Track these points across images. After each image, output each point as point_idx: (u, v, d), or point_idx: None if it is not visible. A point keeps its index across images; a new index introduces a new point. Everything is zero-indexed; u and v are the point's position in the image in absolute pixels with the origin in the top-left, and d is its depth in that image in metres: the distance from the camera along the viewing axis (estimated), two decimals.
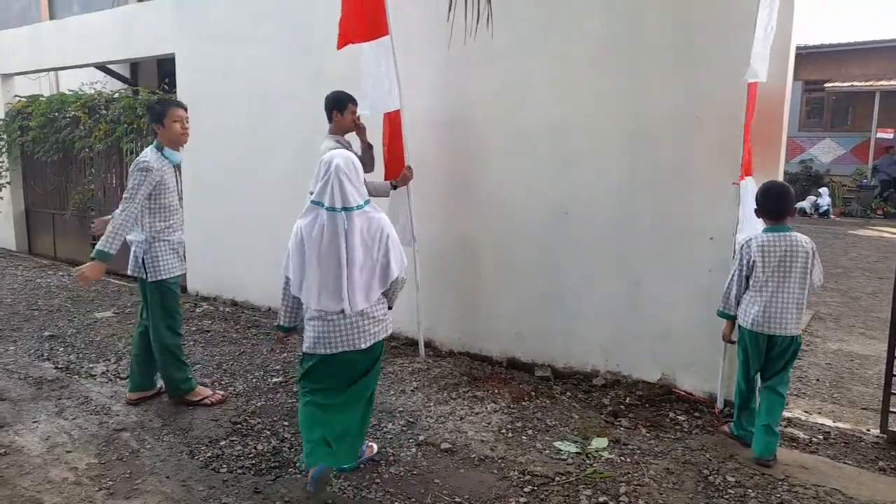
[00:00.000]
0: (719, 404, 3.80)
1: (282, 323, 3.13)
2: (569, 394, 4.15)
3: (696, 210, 3.88)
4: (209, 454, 3.35)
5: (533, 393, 4.13)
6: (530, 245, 4.47)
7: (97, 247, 3.59)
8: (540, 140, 4.34)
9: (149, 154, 3.76)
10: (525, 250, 4.50)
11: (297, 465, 3.22)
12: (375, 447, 3.35)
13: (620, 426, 3.70)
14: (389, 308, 3.11)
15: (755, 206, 3.35)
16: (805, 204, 14.49)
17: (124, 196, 3.67)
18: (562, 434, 3.59)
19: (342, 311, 2.86)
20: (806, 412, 3.93)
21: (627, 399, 4.03)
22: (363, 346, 2.92)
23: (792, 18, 3.59)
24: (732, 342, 3.54)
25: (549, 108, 4.29)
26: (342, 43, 4.45)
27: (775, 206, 3.28)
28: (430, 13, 4.49)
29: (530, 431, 3.62)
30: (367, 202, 2.95)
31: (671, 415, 3.83)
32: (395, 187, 4.41)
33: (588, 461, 3.29)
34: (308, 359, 2.98)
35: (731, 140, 3.58)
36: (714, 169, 3.75)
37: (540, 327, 4.50)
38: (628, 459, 3.31)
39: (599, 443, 3.46)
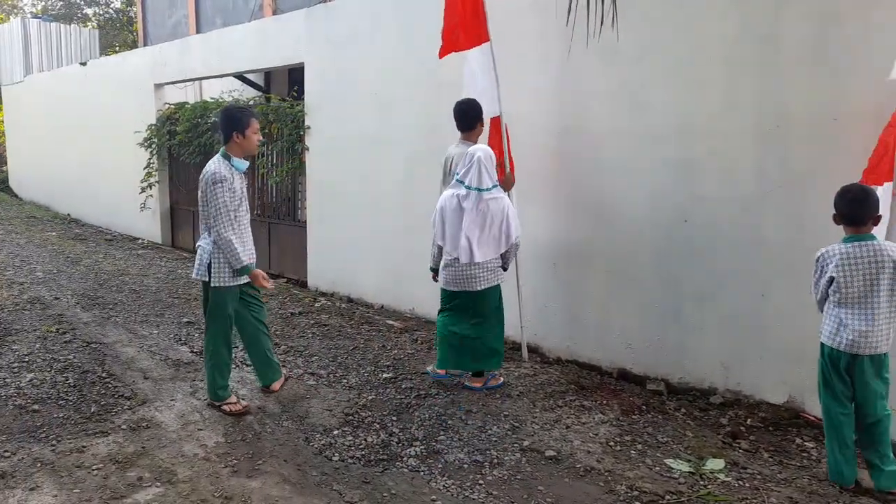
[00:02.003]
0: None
1: (431, 265, 4.24)
2: (683, 410, 3.96)
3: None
4: (323, 442, 3.52)
5: (644, 407, 3.98)
6: (646, 253, 4.32)
7: (235, 267, 3.73)
8: (659, 144, 4.18)
9: (218, 165, 3.70)
10: (640, 259, 4.35)
11: (405, 458, 3.32)
12: (502, 380, 4.23)
13: (739, 448, 3.49)
14: (504, 269, 4.07)
15: (833, 213, 3.05)
16: None
17: (212, 216, 3.65)
18: (674, 451, 3.43)
19: (463, 262, 3.91)
20: None
21: (748, 420, 3.79)
22: (478, 289, 3.96)
23: None
24: None
25: (671, 110, 4.13)
26: (445, 52, 4.57)
27: (852, 210, 2.96)
28: (547, 17, 4.47)
29: (640, 446, 3.49)
30: (495, 186, 3.88)
31: (798, 441, 3.56)
32: None
33: (702, 482, 3.13)
34: (443, 292, 4.13)
35: (874, 143, 3.28)
36: (854, 173, 3.44)
37: (654, 339, 4.33)
38: (747, 484, 3.11)
39: (715, 464, 3.28)
